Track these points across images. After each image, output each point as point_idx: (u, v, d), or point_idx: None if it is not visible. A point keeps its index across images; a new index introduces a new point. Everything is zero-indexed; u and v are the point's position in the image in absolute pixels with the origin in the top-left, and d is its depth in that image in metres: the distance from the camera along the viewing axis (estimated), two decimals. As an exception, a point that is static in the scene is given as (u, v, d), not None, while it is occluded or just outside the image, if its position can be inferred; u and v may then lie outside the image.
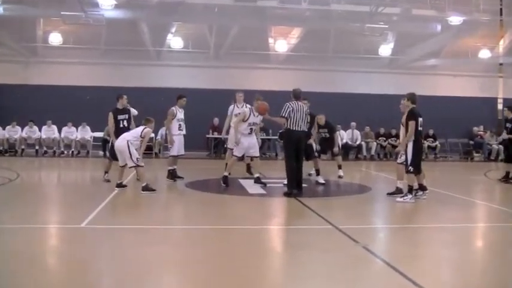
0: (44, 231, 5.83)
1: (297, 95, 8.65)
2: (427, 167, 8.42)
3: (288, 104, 8.50)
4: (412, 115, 7.99)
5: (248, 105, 10.04)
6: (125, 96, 9.75)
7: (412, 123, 7.92)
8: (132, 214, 7.03)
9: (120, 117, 9.57)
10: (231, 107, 10.69)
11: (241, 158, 11.17)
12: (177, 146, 10.11)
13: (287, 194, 8.40)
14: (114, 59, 18.81)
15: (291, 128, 8.43)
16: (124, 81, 17.67)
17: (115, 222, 6.36)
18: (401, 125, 8.47)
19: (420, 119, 8.09)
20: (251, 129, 9.55)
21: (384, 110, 19.06)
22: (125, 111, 9.69)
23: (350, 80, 19.91)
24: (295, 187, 8.44)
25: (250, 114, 9.46)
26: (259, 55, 19.46)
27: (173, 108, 10.19)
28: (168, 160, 10.50)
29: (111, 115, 9.55)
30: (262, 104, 9.03)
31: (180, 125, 10.15)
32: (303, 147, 8.68)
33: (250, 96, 11.14)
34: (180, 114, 10.17)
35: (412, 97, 8.19)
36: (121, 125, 9.51)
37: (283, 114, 8.45)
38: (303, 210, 7.42)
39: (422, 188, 8.31)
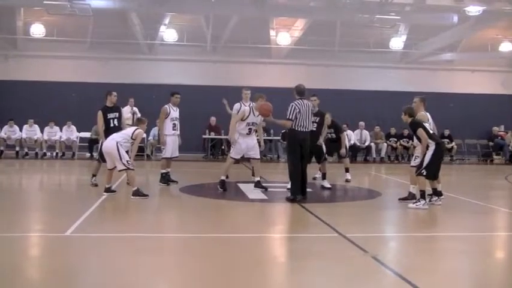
0: (25, 241, 5.82)
1: (301, 92, 8.63)
2: (442, 171, 8.41)
3: (294, 104, 8.47)
4: (416, 125, 8.08)
5: (243, 103, 10.04)
6: (114, 93, 9.77)
7: (420, 132, 7.98)
8: (121, 221, 7.03)
9: (110, 115, 9.58)
10: (237, 105, 10.74)
11: (238, 161, 11.20)
12: (171, 148, 10.11)
13: (290, 200, 8.41)
14: (102, 53, 18.85)
15: (295, 128, 8.44)
16: (113, 77, 17.71)
17: (103, 230, 6.36)
18: (413, 137, 8.55)
19: (426, 124, 8.16)
20: (250, 129, 9.54)
21: (395, 108, 18.86)
22: (115, 109, 9.71)
23: (358, 76, 19.94)
24: (299, 192, 8.44)
25: (250, 113, 9.45)
26: (259, 49, 19.49)
27: (166, 106, 10.20)
28: (160, 162, 10.51)
29: (100, 114, 9.56)
30: (264, 105, 8.86)
31: (174, 124, 10.15)
32: (308, 149, 8.67)
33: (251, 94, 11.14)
34: (174, 112, 10.18)
35: (410, 110, 8.27)
36: (111, 124, 9.52)
37: (290, 117, 8.40)
38: (307, 217, 7.42)
39: (436, 193, 8.32)
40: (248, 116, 9.45)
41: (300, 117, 8.43)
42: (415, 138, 8.47)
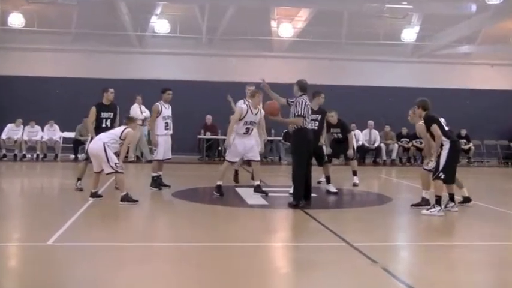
0: (2, 251, 5.82)
1: (304, 88, 8.65)
2: (458, 174, 8.41)
3: (302, 99, 8.49)
4: (430, 119, 8.05)
5: (247, 100, 10.05)
6: (110, 90, 9.77)
7: (434, 127, 7.94)
8: (109, 229, 7.03)
9: (104, 114, 9.60)
10: (240, 103, 10.75)
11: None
12: (163, 149, 10.11)
13: (293, 205, 8.41)
14: (87, 46, 18.86)
15: (305, 126, 8.46)
16: (99, 72, 17.72)
17: (89, 238, 6.35)
18: (419, 136, 8.54)
19: (442, 119, 8.16)
20: (247, 129, 9.53)
21: (407, 106, 18.84)
22: (111, 108, 9.71)
23: (366, 71, 19.95)
24: (303, 197, 8.44)
25: (247, 111, 9.44)
26: (259, 41, 19.51)
27: (158, 103, 10.20)
28: (152, 165, 10.51)
29: (93, 110, 9.56)
30: (272, 103, 8.88)
31: (166, 123, 10.15)
32: (312, 149, 8.74)
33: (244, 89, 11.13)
34: (166, 110, 10.18)
35: (425, 103, 8.23)
36: (103, 125, 9.52)
37: (301, 113, 8.41)
38: (312, 224, 7.42)
39: (453, 198, 8.32)
40: (246, 115, 9.43)
41: (308, 115, 8.46)
42: (420, 137, 8.40)
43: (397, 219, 8.25)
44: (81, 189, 9.61)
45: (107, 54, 18.98)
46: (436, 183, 8.00)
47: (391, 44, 19.92)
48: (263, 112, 9.74)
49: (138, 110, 15.91)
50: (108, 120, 9.59)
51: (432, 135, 8.07)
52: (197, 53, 19.48)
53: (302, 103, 8.45)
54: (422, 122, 8.25)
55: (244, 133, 9.51)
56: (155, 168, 10.23)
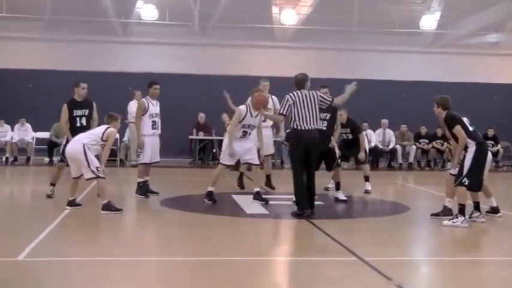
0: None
1: (299, 83, 8.65)
2: (486, 180, 8.40)
3: (288, 96, 8.50)
4: (452, 119, 8.04)
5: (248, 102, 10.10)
6: (83, 85, 9.76)
7: (458, 129, 7.94)
8: (88, 242, 7.03)
9: (77, 112, 9.60)
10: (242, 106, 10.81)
11: (236, 167, 11.22)
12: (150, 151, 10.11)
13: (297, 215, 8.42)
14: (64, 34, 18.88)
15: (298, 127, 8.44)
16: (77, 64, 17.75)
17: (65, 253, 6.35)
18: (448, 136, 8.52)
19: (465, 119, 8.15)
20: (245, 132, 9.57)
21: (426, 102, 18.86)
22: (85, 104, 9.72)
23: (381, 63, 20.00)
24: (307, 205, 8.46)
25: (246, 113, 9.46)
26: (259, 30, 19.54)
27: (143, 99, 10.22)
28: (137, 169, 10.51)
29: (65, 108, 9.58)
30: (258, 96, 9.06)
31: (153, 122, 10.15)
32: (315, 152, 8.63)
33: (247, 84, 11.16)
34: (154, 107, 10.18)
35: (445, 101, 8.20)
36: (77, 124, 9.53)
37: (281, 111, 8.52)
38: (318, 236, 7.43)
39: (479, 208, 8.31)
40: (245, 117, 9.45)
41: (302, 114, 8.41)
42: (448, 137, 8.41)
43: (414, 231, 8.25)
44: (50, 196, 9.64)
45: (86, 44, 18.99)
46: (459, 190, 7.98)
47: (408, 33, 19.96)
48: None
49: (135, 108, 15.92)
50: (83, 118, 9.60)
51: (455, 137, 8.06)
52: (189, 43, 19.51)
53: (284, 100, 8.49)
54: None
55: (240, 137, 9.55)
56: (141, 173, 10.22)
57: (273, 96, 10.72)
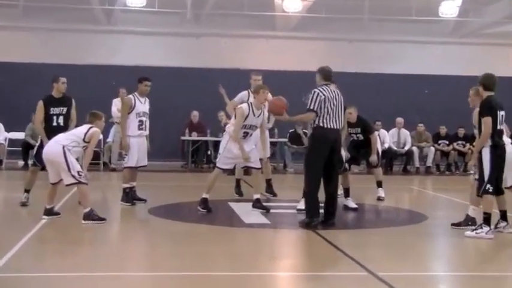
0: None
1: (328, 76, 8.70)
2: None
3: (318, 90, 8.51)
4: (488, 108, 7.97)
5: (251, 97, 10.11)
6: (62, 80, 9.76)
7: (487, 120, 7.89)
8: (68, 256, 7.02)
9: (54, 110, 9.60)
10: (243, 94, 10.73)
11: (233, 172, 11.21)
12: (136, 153, 10.11)
13: (306, 224, 8.42)
14: (41, 23, 18.86)
15: (324, 125, 8.48)
16: (56, 56, 17.75)
17: (42, 267, 6.34)
18: (473, 127, 8.47)
19: (501, 113, 8.05)
20: (246, 133, 9.58)
21: (446, 98, 19.10)
22: (64, 102, 9.71)
23: (395, 55, 20.00)
24: (317, 213, 8.46)
25: (249, 112, 9.46)
26: (259, 18, 19.53)
27: (130, 96, 10.21)
28: (122, 174, 10.51)
29: (41, 106, 9.57)
30: (277, 100, 8.99)
31: (140, 122, 10.14)
32: (339, 154, 8.82)
33: (246, 79, 11.15)
34: (142, 106, 10.17)
35: (487, 80, 8.14)
36: (54, 123, 9.52)
37: (312, 107, 8.45)
38: (326, 249, 7.42)
39: (505, 217, 8.29)
40: (247, 117, 9.46)
41: (331, 111, 8.47)
42: (475, 128, 8.29)
43: (433, 243, 8.25)
44: (24, 204, 9.64)
45: (65, 34, 18.97)
46: (485, 198, 7.95)
47: (426, 21, 19.94)
48: (267, 113, 9.78)
49: (119, 105, 15.92)
50: (61, 117, 9.58)
51: (481, 127, 7.96)
52: (180, 33, 19.50)
53: (313, 94, 8.46)
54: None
55: (240, 138, 9.55)
56: (126, 178, 10.21)
57: (252, 99, 10.73)
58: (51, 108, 9.59)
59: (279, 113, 8.97)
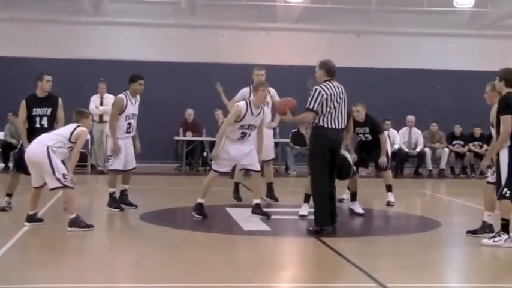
0: None
1: (331, 71, 8.69)
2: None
3: (320, 88, 8.49)
4: (507, 105, 7.95)
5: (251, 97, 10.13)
6: (47, 77, 9.74)
7: (506, 119, 7.87)
8: (52, 266, 7.01)
9: (37, 111, 9.59)
10: (245, 91, 10.76)
11: (233, 175, 11.22)
12: (123, 155, 10.09)
13: (315, 232, 8.41)
14: (23, 13, 18.81)
15: (326, 125, 8.48)
16: (38, 49, 17.77)
17: (24, 279, 6.33)
18: (491, 126, 8.46)
19: None
20: (243, 134, 9.57)
21: (461, 95, 19.09)
22: (49, 102, 9.70)
23: (407, 49, 19.98)
24: (328, 221, 8.46)
25: (247, 111, 9.45)
26: (259, 9, 19.52)
27: (122, 96, 10.11)
28: (108, 178, 10.50)
29: (23, 105, 9.57)
30: (287, 101, 9.01)
31: (129, 124, 10.12)
32: (340, 155, 8.83)
33: (245, 74, 11.16)
34: (132, 107, 10.12)
35: (509, 75, 8.12)
36: (37, 124, 9.51)
37: (312, 106, 8.43)
38: (330, 258, 7.42)
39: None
40: (244, 116, 9.43)
41: (334, 110, 8.46)
42: (492, 127, 8.27)
43: (447, 252, 8.23)
44: (4, 209, 9.65)
45: (49, 25, 18.94)
46: (502, 203, 7.95)
47: (440, 12, 19.93)
48: (267, 113, 9.79)
49: (97, 102, 15.97)
50: (45, 119, 9.57)
51: (499, 127, 7.94)
52: (174, 24, 19.48)
53: (315, 92, 8.44)
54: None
55: (238, 139, 9.56)
56: (112, 182, 10.24)
57: (270, 88, 10.77)
58: (34, 109, 9.58)
59: (281, 111, 9.01)
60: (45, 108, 9.65)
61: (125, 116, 10.06)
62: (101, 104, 15.99)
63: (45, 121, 9.57)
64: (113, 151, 10.08)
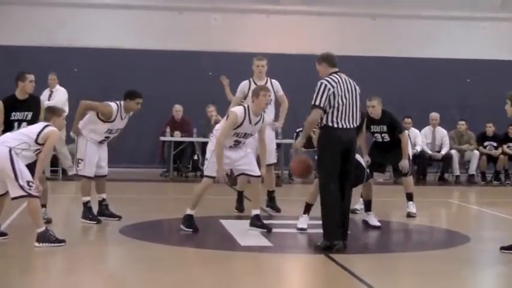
0: None
1: (333, 60, 8.68)
2: None
3: (325, 81, 8.46)
4: None
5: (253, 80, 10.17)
6: (29, 78, 9.73)
7: None
8: (18, 286, 7.01)
9: (16, 115, 9.62)
10: (244, 85, 10.80)
11: (234, 182, 11.24)
12: (94, 159, 10.13)
13: (324, 248, 8.40)
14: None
15: (334, 124, 8.47)
16: (5, 36, 17.71)
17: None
18: None
19: None
20: (237, 142, 9.61)
21: (494, 89, 19.00)
22: (29, 105, 9.72)
23: (430, 35, 20.01)
24: (339, 235, 8.45)
25: (245, 119, 9.46)
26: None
27: (115, 106, 10.11)
28: (80, 185, 10.50)
29: (0, 109, 9.56)
30: (301, 161, 9.46)
31: (107, 137, 10.23)
32: (353, 160, 8.79)
33: (242, 64, 11.16)
34: (120, 123, 10.19)
35: None
36: (15, 129, 9.49)
37: (318, 103, 8.40)
38: (341, 278, 7.42)
39: None
40: (241, 124, 9.44)
41: (342, 107, 8.45)
42: None
43: (477, 271, 8.24)
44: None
45: (17, 8, 18.97)
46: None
47: (465, -7, 19.96)
48: (268, 121, 9.82)
49: (46, 96, 15.93)
50: (24, 124, 9.53)
51: None
52: (159, 6, 19.50)
53: (321, 87, 8.42)
54: None
55: (230, 147, 9.61)
56: (86, 190, 10.25)
57: (273, 80, 10.71)
58: (13, 113, 9.58)
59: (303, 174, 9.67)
60: (26, 113, 9.64)
61: (107, 128, 10.11)
62: (50, 97, 15.79)
63: (24, 127, 9.54)
64: (75, 130, 10.14)
